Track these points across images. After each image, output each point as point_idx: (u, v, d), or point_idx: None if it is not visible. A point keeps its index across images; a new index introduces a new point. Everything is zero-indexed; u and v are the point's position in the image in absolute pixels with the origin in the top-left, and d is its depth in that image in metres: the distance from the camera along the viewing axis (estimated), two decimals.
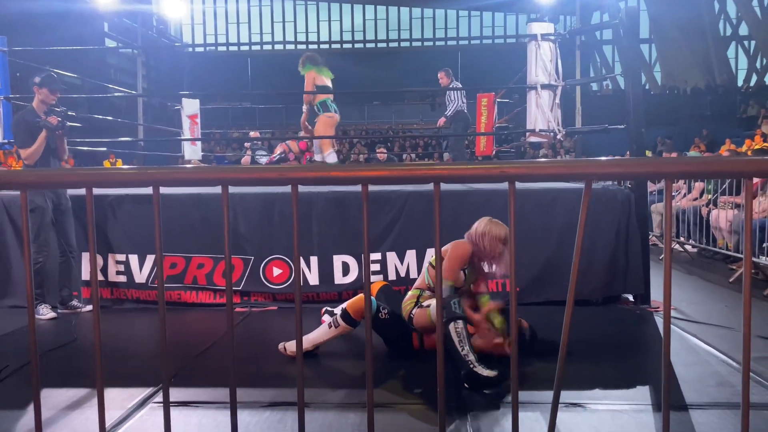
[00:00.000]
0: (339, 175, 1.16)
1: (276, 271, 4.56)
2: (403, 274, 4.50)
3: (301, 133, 6.49)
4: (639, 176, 1.12)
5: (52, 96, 4.31)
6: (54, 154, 4.35)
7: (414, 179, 1.10)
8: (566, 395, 2.58)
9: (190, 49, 26.17)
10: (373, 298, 3.34)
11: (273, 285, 4.55)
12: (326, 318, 3.56)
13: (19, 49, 6.28)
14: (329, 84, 6.19)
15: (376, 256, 4.53)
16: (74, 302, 4.48)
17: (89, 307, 4.53)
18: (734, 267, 5.86)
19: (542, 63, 5.50)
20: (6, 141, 5.50)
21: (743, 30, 24.46)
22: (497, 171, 1.08)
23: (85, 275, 4.64)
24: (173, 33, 26.05)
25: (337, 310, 3.37)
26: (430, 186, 1.17)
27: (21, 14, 15.32)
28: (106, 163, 14.40)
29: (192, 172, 1.13)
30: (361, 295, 3.35)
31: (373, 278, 4.45)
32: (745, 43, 25.32)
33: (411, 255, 4.52)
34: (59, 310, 4.40)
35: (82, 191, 1.27)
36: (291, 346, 3.28)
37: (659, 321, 4.05)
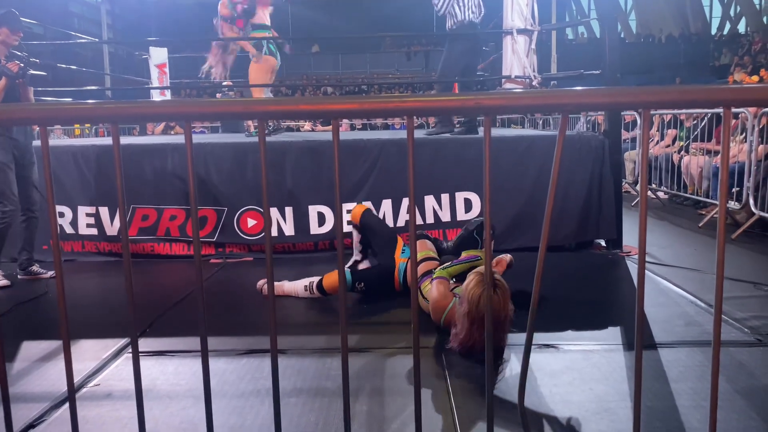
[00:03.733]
0: (308, 108, 1.10)
1: (250, 222, 4.52)
2: None
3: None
4: (616, 106, 1.10)
5: (14, 36, 3.88)
6: None
7: (386, 112, 1.05)
8: (539, 337, 2.63)
9: None
10: (348, 271, 3.34)
11: (248, 236, 4.51)
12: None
13: None
14: (267, 21, 5.75)
15: (352, 206, 4.50)
16: (35, 267, 4.06)
17: (52, 273, 4.08)
18: (704, 212, 5.97)
19: (518, 7, 5.40)
20: None
21: None
22: (472, 103, 1.03)
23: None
24: None
25: (313, 279, 3.40)
26: (404, 135, 1.13)
27: None
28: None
29: (152, 107, 1.07)
30: (335, 273, 3.34)
31: (346, 229, 4.42)
32: None
33: (387, 204, 4.50)
34: (19, 277, 4.00)
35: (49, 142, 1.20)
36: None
37: (631, 265, 4.12)
